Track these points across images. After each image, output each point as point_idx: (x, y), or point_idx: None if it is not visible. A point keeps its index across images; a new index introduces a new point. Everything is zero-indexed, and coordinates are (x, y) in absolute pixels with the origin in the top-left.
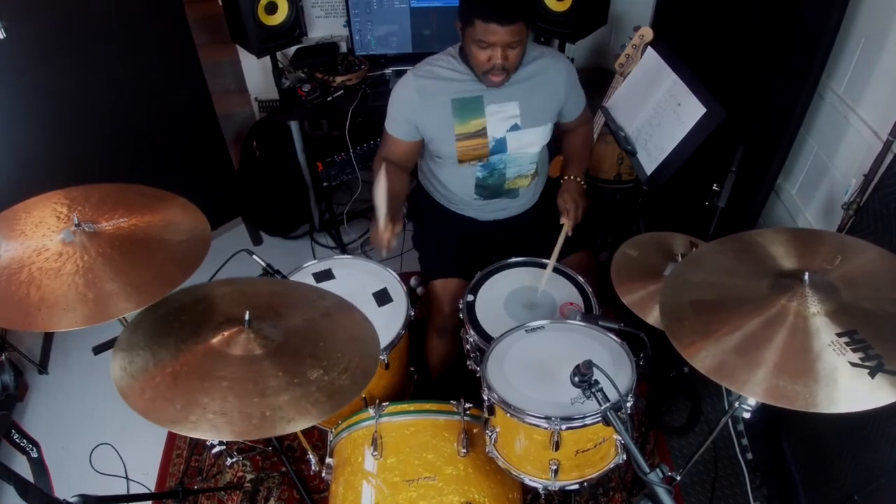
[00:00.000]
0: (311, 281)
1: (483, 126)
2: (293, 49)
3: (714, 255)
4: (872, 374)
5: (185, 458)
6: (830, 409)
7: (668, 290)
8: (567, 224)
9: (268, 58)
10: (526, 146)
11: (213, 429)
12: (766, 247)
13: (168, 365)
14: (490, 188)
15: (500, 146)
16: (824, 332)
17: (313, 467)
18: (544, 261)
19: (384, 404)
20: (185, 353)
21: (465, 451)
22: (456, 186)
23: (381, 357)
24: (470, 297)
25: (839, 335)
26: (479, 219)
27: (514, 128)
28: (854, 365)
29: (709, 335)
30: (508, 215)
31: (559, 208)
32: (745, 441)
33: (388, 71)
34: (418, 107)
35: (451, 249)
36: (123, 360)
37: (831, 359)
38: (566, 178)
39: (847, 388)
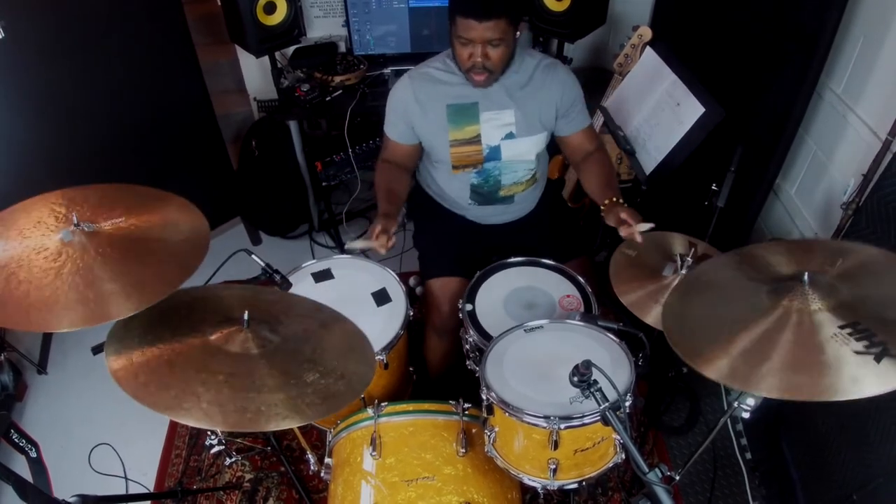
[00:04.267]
0: (311, 280)
1: (477, 133)
2: (292, 49)
3: (714, 274)
4: (878, 359)
5: (183, 458)
6: (837, 397)
7: (671, 324)
8: (633, 229)
9: (266, 58)
10: (521, 154)
11: (206, 417)
12: (765, 258)
13: (164, 352)
14: (485, 195)
15: (495, 154)
16: (827, 326)
17: (312, 467)
18: (544, 261)
19: (383, 404)
20: (182, 343)
21: (463, 450)
22: (451, 191)
23: (380, 357)
24: (469, 307)
25: (842, 327)
26: (477, 222)
27: (509, 136)
28: (858, 353)
29: (716, 341)
30: (507, 220)
31: (618, 229)
32: (744, 441)
33: (387, 71)
34: (414, 110)
35: (449, 249)
36: (118, 345)
37: (836, 349)
38: (607, 202)
39: (853, 375)
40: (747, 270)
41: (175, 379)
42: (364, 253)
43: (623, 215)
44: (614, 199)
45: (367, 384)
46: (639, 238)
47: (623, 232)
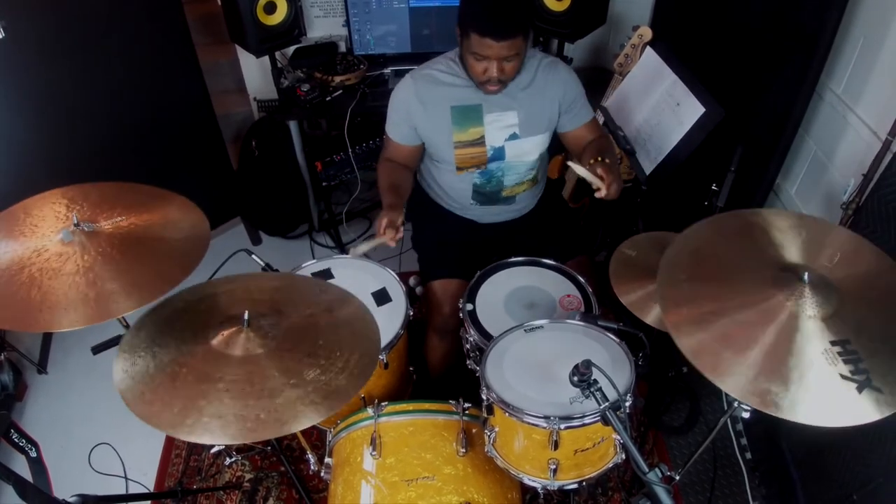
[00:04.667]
0: None
1: (482, 135)
2: (292, 49)
3: (715, 233)
4: (860, 390)
5: (183, 457)
6: (816, 422)
7: (667, 257)
8: (602, 193)
9: (267, 57)
10: (524, 154)
11: (207, 433)
12: (767, 230)
13: (168, 367)
14: (487, 195)
15: (499, 154)
16: (818, 339)
17: (312, 467)
18: (544, 260)
19: (383, 404)
20: (186, 354)
21: (463, 450)
22: (453, 191)
23: (380, 357)
24: (469, 307)
25: (833, 343)
26: (477, 221)
27: (513, 137)
28: (844, 378)
29: (699, 307)
30: (507, 219)
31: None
32: (744, 440)
33: (387, 70)
34: (417, 111)
35: (449, 250)
36: (125, 363)
37: (823, 368)
38: (592, 160)
39: (834, 400)
40: (747, 239)
41: (178, 394)
42: (366, 255)
43: (600, 171)
44: (599, 159)
45: (368, 377)
46: (602, 193)
47: (596, 191)
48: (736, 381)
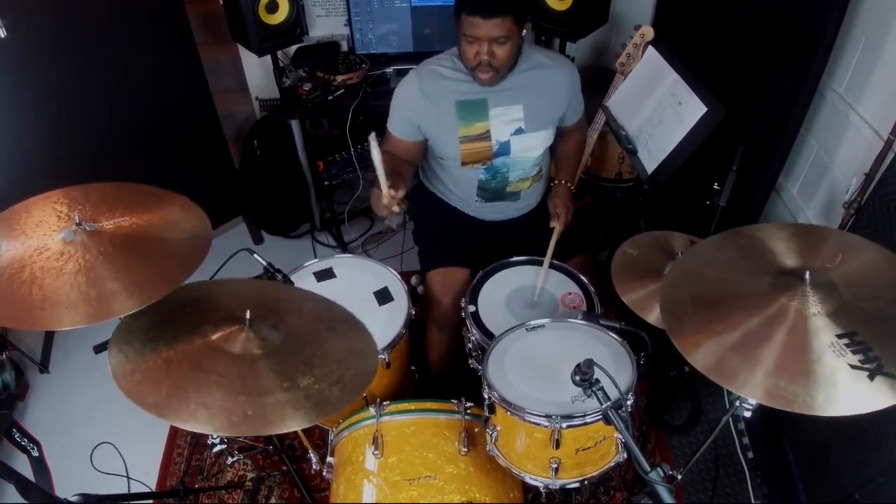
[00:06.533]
0: (313, 280)
1: (487, 129)
2: (294, 48)
3: (715, 251)
4: (872, 377)
5: (185, 457)
6: (829, 412)
7: (668, 285)
8: (557, 227)
9: (268, 57)
10: (529, 149)
11: (192, 419)
12: (766, 242)
13: (163, 351)
14: (492, 191)
15: (504, 149)
16: (824, 333)
17: (314, 466)
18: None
19: (385, 403)
20: (183, 342)
21: (465, 449)
22: (457, 188)
23: (382, 356)
24: (472, 308)
25: (839, 336)
26: (479, 218)
27: (518, 131)
28: (854, 367)
29: (708, 331)
30: (509, 216)
31: (550, 211)
32: (745, 440)
33: (389, 70)
34: (421, 107)
35: (450, 239)
36: (121, 341)
37: (831, 360)
38: (556, 182)
39: (846, 390)
40: (748, 254)
41: (168, 378)
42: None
43: (553, 205)
44: (563, 182)
45: (360, 392)
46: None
47: (551, 223)
48: (750, 384)
